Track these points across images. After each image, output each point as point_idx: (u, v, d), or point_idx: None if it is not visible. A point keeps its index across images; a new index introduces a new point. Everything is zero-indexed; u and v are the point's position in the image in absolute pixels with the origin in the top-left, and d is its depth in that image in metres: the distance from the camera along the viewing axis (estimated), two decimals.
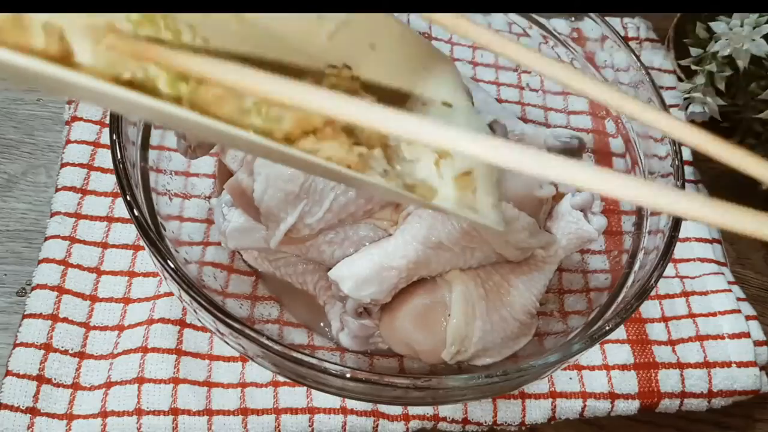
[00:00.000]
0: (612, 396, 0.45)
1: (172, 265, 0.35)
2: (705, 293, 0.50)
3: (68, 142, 0.50)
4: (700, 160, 0.58)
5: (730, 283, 0.51)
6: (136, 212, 0.36)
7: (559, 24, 0.51)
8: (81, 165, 0.49)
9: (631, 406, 0.45)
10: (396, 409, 0.42)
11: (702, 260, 0.51)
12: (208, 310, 0.34)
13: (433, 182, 0.28)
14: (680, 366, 0.46)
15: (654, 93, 0.45)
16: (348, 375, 0.33)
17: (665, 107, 0.44)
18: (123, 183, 0.36)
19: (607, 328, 0.36)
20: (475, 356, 0.41)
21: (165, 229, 0.40)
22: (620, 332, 0.47)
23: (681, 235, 0.41)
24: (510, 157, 0.18)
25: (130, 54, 0.19)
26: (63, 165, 0.49)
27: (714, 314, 0.48)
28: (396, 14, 0.32)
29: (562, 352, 0.36)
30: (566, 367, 0.45)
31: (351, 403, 0.42)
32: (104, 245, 0.46)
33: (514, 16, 0.53)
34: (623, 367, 0.46)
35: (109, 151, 0.39)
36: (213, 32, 0.24)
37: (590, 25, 0.50)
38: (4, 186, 0.50)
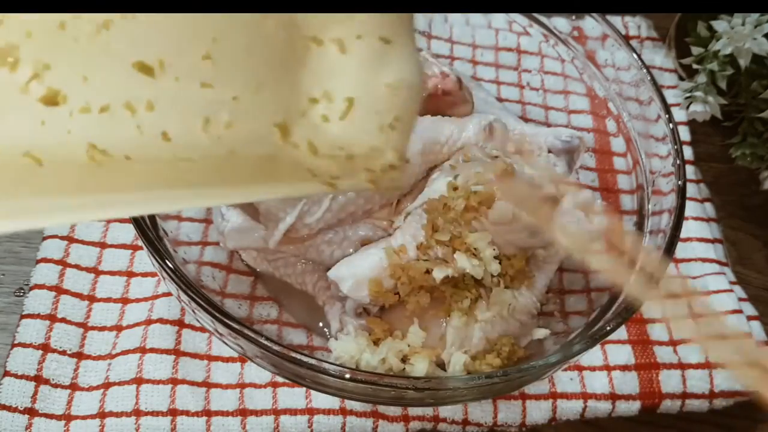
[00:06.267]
0: (613, 397, 0.44)
1: (171, 265, 0.35)
2: (707, 293, 0.49)
3: None
4: (702, 159, 0.58)
5: (731, 283, 0.50)
6: None
7: (560, 22, 0.51)
8: None
9: (632, 407, 0.45)
10: (396, 410, 0.42)
11: (703, 260, 0.51)
12: (206, 311, 0.34)
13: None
14: (682, 366, 0.46)
15: (655, 92, 0.45)
16: (347, 375, 0.33)
17: (666, 106, 0.44)
18: None
19: (608, 328, 0.36)
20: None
21: (163, 229, 0.40)
22: (621, 332, 0.47)
23: (682, 235, 0.40)
24: None
25: None
26: None
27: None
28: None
29: (562, 352, 0.36)
30: (567, 368, 0.45)
31: (350, 404, 0.42)
32: (102, 245, 0.46)
33: (514, 14, 0.53)
34: (624, 368, 0.45)
35: None
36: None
37: (591, 24, 0.49)
38: None
